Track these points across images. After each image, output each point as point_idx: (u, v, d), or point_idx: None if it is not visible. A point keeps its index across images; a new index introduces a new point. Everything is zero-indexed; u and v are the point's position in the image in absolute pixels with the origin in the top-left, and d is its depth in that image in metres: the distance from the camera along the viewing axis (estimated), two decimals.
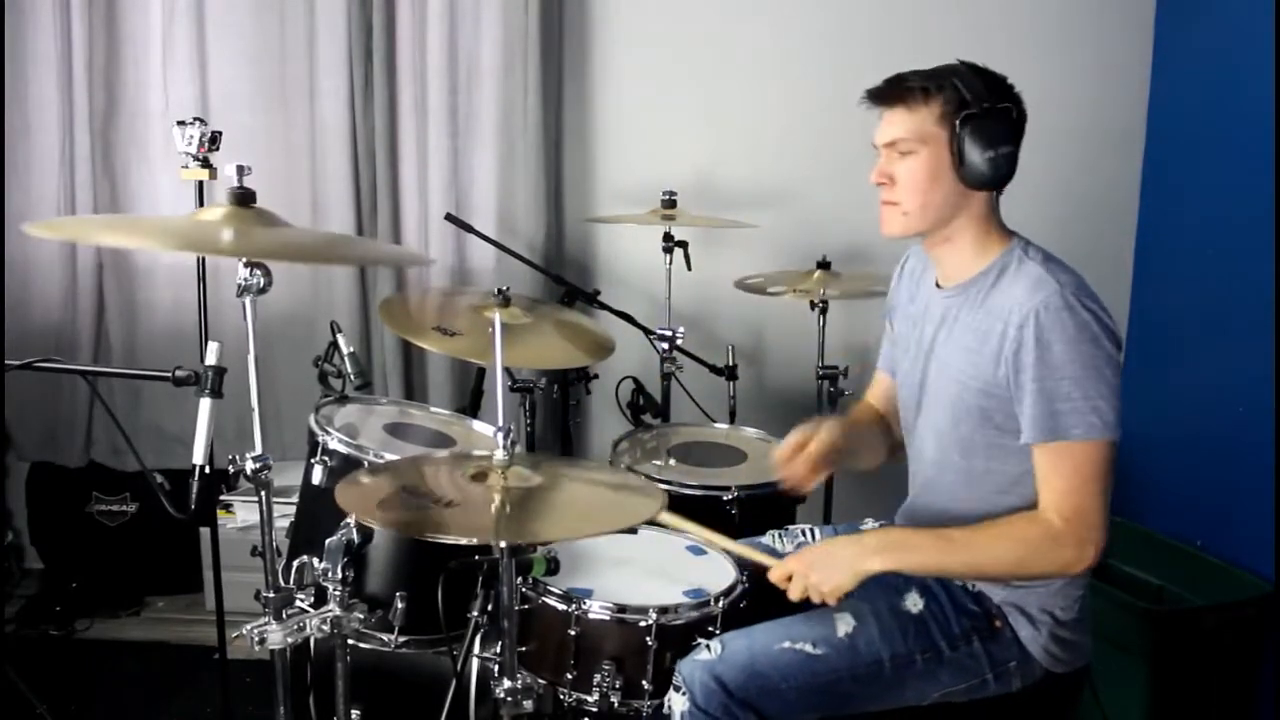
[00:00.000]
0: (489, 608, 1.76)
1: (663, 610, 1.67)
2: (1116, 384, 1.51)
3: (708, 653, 1.59)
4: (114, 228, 1.67)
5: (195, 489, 1.55)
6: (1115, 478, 1.57)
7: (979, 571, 1.60)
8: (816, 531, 1.92)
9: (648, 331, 2.68)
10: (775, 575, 1.62)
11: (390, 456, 1.89)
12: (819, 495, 2.56)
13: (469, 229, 2.73)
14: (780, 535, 1.93)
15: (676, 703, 1.57)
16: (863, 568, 1.56)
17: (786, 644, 1.59)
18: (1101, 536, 1.51)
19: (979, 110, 1.54)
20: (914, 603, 1.64)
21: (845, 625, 1.61)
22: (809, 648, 1.58)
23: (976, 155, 1.54)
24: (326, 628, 1.66)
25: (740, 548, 1.73)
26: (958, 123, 1.54)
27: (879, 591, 1.66)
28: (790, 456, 1.75)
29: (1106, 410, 1.50)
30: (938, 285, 1.71)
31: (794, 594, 1.59)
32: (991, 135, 1.54)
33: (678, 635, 1.67)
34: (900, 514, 1.83)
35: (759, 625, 1.63)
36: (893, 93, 1.59)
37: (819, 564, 1.58)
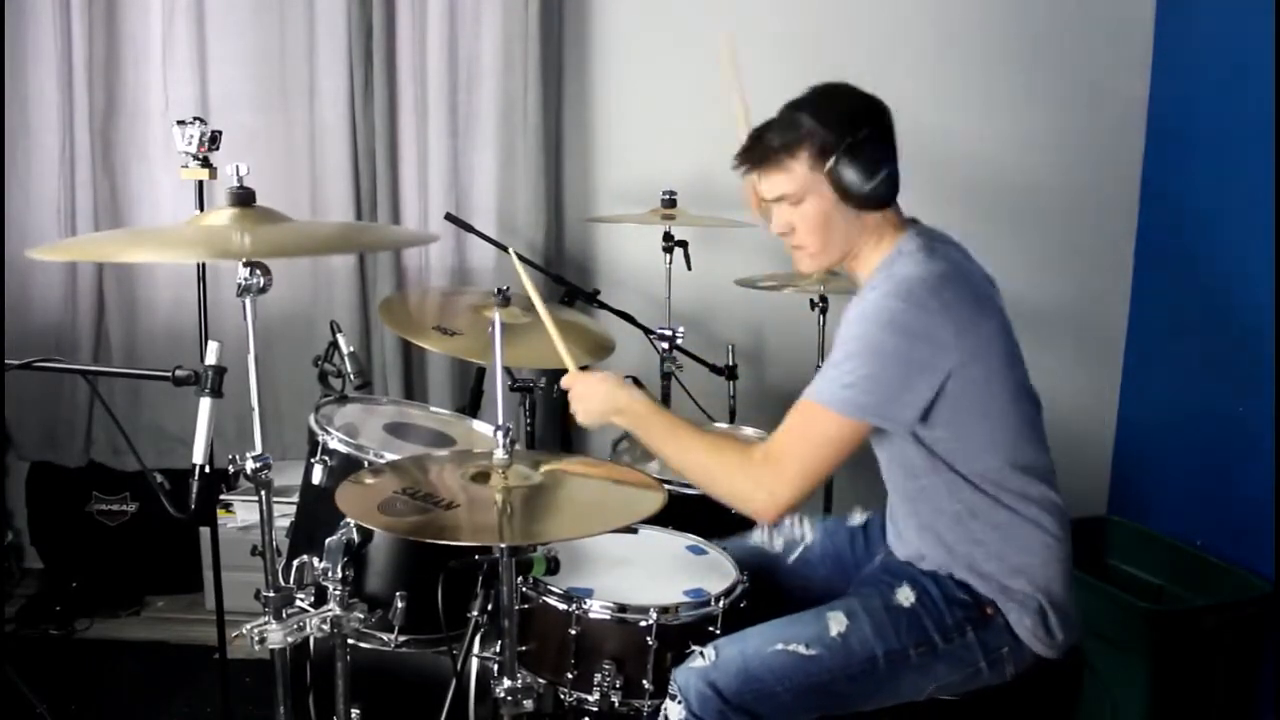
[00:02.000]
0: (489, 607, 1.76)
1: (663, 610, 1.67)
2: (892, 375, 1.54)
3: (702, 660, 1.59)
4: (130, 244, 1.66)
5: (195, 489, 1.55)
6: (1118, 479, 1.57)
7: (689, 470, 1.66)
8: (806, 524, 1.93)
9: (648, 331, 2.68)
10: (565, 381, 1.76)
11: (390, 456, 1.89)
12: (818, 494, 2.56)
13: (469, 229, 2.73)
14: (771, 529, 1.94)
15: (673, 711, 1.57)
16: (608, 419, 1.71)
17: (779, 646, 1.59)
18: (790, 494, 1.57)
19: (842, 149, 1.58)
20: (905, 596, 1.64)
21: (838, 624, 1.61)
22: (802, 649, 1.58)
23: (858, 187, 1.59)
24: (326, 627, 1.66)
25: (562, 351, 1.80)
26: (828, 168, 1.59)
27: (871, 588, 1.68)
28: None
29: (859, 392, 1.54)
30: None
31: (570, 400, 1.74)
32: (864, 166, 1.59)
33: (678, 635, 1.67)
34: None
35: (751, 629, 1.64)
36: (758, 158, 1.66)
37: (583, 393, 1.73)
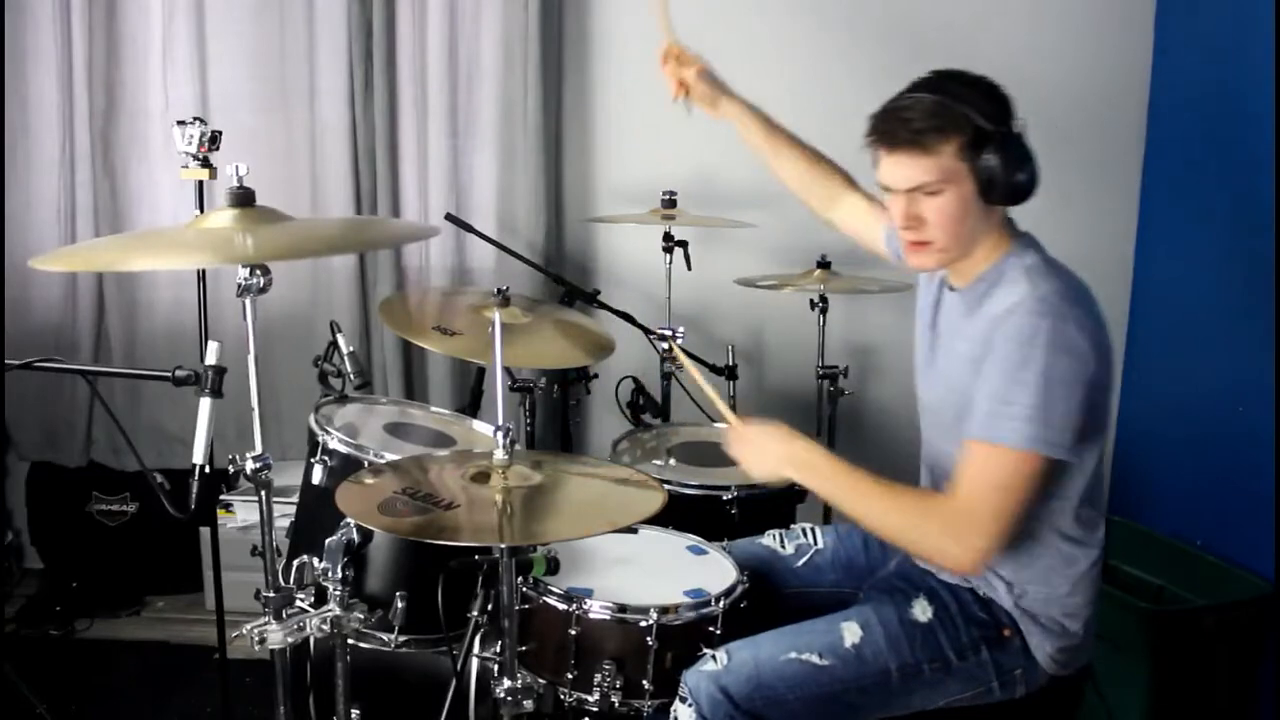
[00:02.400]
0: (489, 607, 1.76)
1: (663, 610, 1.67)
2: (1074, 398, 1.46)
3: (713, 663, 1.58)
4: (133, 251, 1.65)
5: (195, 489, 1.55)
6: (1118, 479, 1.56)
7: (873, 525, 1.59)
8: (817, 531, 1.92)
9: (648, 331, 2.67)
10: (731, 433, 1.69)
11: (390, 456, 1.89)
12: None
13: (469, 229, 2.73)
14: (781, 535, 1.93)
15: (683, 714, 1.57)
16: (781, 474, 1.61)
17: (793, 654, 1.58)
18: (989, 545, 1.48)
19: (998, 139, 1.50)
20: (923, 611, 1.63)
21: (852, 635, 1.60)
22: (815, 658, 1.57)
23: (1005, 180, 1.50)
24: (326, 627, 1.66)
25: (719, 404, 1.76)
26: (984, 155, 1.50)
27: (887, 599, 1.66)
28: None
29: (1043, 422, 1.45)
30: (951, 286, 1.69)
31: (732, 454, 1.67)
32: (1017, 157, 1.51)
33: (678, 635, 1.67)
34: None
35: (765, 635, 1.62)
36: (902, 137, 1.52)
37: (754, 446, 1.64)
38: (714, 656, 1.59)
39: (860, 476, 1.56)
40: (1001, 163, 1.50)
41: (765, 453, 1.63)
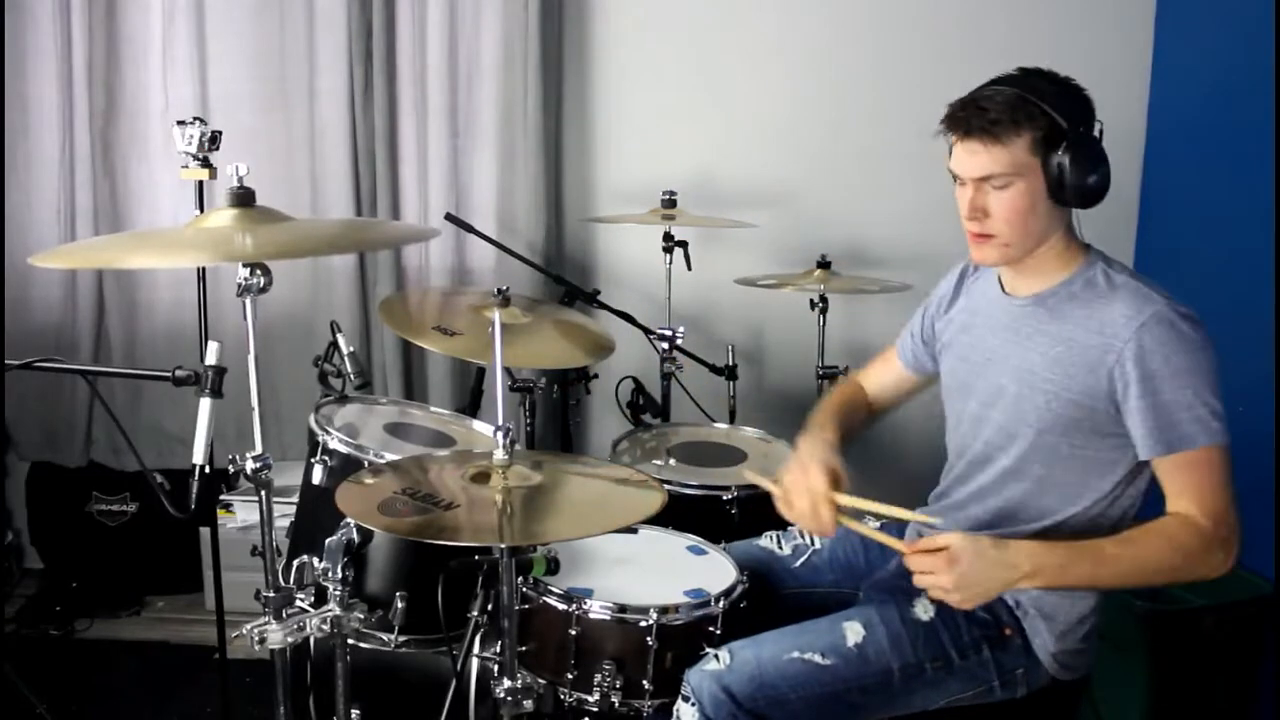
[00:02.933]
0: (489, 607, 1.76)
1: (663, 610, 1.67)
2: (1217, 391, 1.52)
3: (716, 663, 1.58)
4: (132, 249, 1.65)
5: (195, 489, 1.55)
6: None
7: (1132, 581, 1.58)
8: (816, 538, 1.91)
9: (648, 331, 2.68)
10: (915, 564, 1.51)
11: (390, 456, 1.89)
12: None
13: (469, 229, 2.73)
14: (778, 536, 1.93)
15: (685, 713, 1.57)
16: (1012, 587, 1.50)
17: (795, 654, 1.58)
18: (1238, 538, 1.52)
19: (1074, 137, 1.50)
20: (925, 610, 1.63)
21: (854, 635, 1.60)
22: (818, 658, 1.57)
23: (1079, 181, 1.50)
24: (326, 627, 1.66)
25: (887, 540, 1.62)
26: (1057, 152, 1.50)
27: (889, 599, 1.66)
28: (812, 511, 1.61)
29: (1222, 415, 1.51)
30: (1005, 292, 1.68)
31: (923, 583, 1.50)
32: (1091, 158, 1.51)
33: (678, 635, 1.67)
34: (940, 509, 1.75)
35: (767, 634, 1.62)
36: (979, 126, 1.51)
37: (965, 581, 1.47)
38: (716, 656, 1.59)
39: (1093, 545, 1.51)
40: (1074, 162, 1.50)
41: (981, 586, 1.48)
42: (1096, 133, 1.55)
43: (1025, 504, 1.64)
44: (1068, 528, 1.60)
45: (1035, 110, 1.50)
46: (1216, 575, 1.52)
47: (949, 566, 1.47)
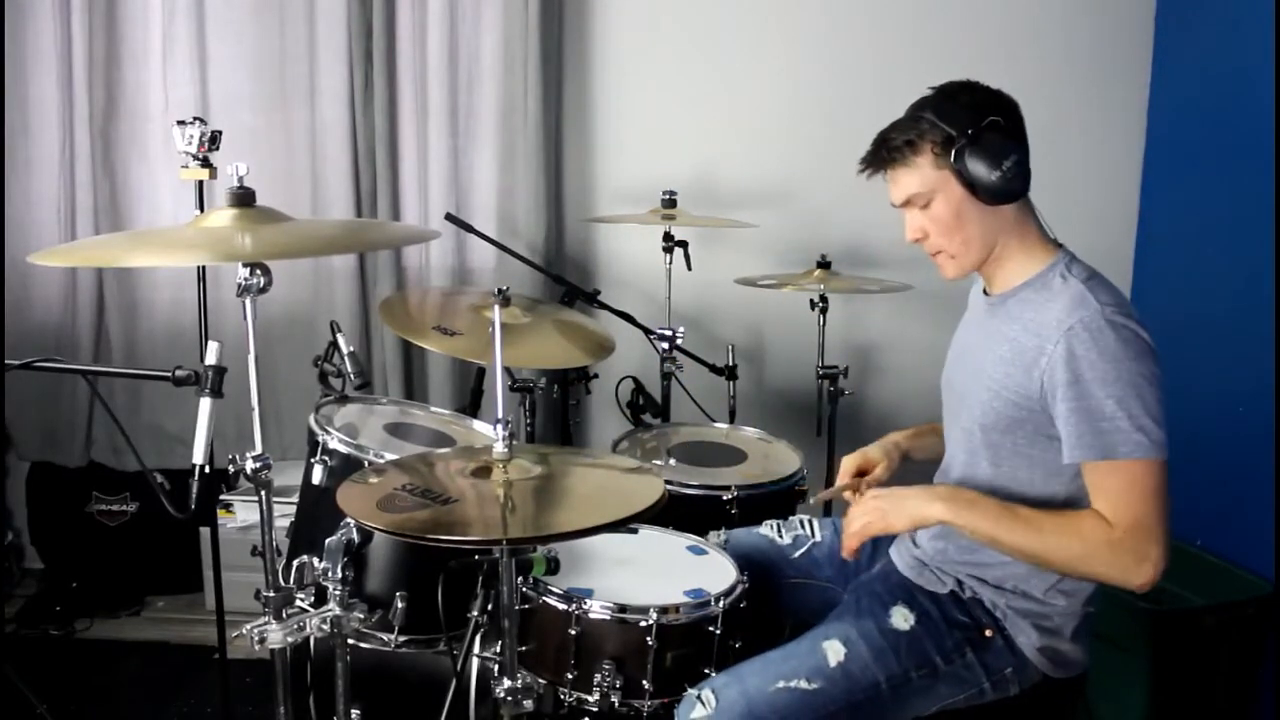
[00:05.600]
0: (489, 607, 1.76)
1: (663, 610, 1.67)
2: (1160, 403, 1.49)
3: (702, 707, 1.55)
4: (132, 248, 1.64)
5: (195, 489, 1.55)
6: None
7: (1034, 555, 1.54)
8: (815, 524, 1.93)
9: (648, 331, 2.68)
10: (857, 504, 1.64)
11: (390, 456, 1.88)
12: (820, 491, 2.57)
13: (469, 229, 2.73)
14: (779, 525, 1.94)
15: None
16: (924, 512, 1.56)
17: (781, 684, 1.56)
18: (1161, 554, 1.48)
19: (967, 139, 1.53)
20: (903, 619, 1.63)
21: (835, 654, 1.59)
22: (804, 683, 1.56)
23: (986, 179, 1.53)
24: (326, 627, 1.66)
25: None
26: (953, 158, 1.53)
27: (865, 611, 1.65)
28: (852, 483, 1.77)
29: (1152, 429, 1.48)
30: (985, 291, 1.70)
31: (851, 542, 1.62)
32: (990, 155, 1.53)
33: (678, 635, 1.67)
34: None
35: (746, 666, 1.61)
36: (884, 157, 1.60)
37: (887, 503, 1.59)
38: (700, 699, 1.56)
39: (1011, 506, 1.54)
40: (974, 162, 1.53)
41: (904, 501, 1.58)
42: (996, 125, 1.54)
43: None
44: None
45: (925, 125, 1.55)
46: (1129, 583, 1.50)
47: (876, 498, 1.61)
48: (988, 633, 1.62)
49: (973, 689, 1.62)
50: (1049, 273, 1.59)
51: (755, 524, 2.00)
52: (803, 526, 1.93)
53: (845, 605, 1.71)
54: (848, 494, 1.74)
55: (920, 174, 1.57)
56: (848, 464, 1.81)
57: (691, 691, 1.59)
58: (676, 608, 1.68)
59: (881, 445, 1.84)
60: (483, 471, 1.60)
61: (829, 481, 2.62)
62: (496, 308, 1.70)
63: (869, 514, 1.60)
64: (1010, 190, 1.54)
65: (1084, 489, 1.55)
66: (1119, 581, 1.51)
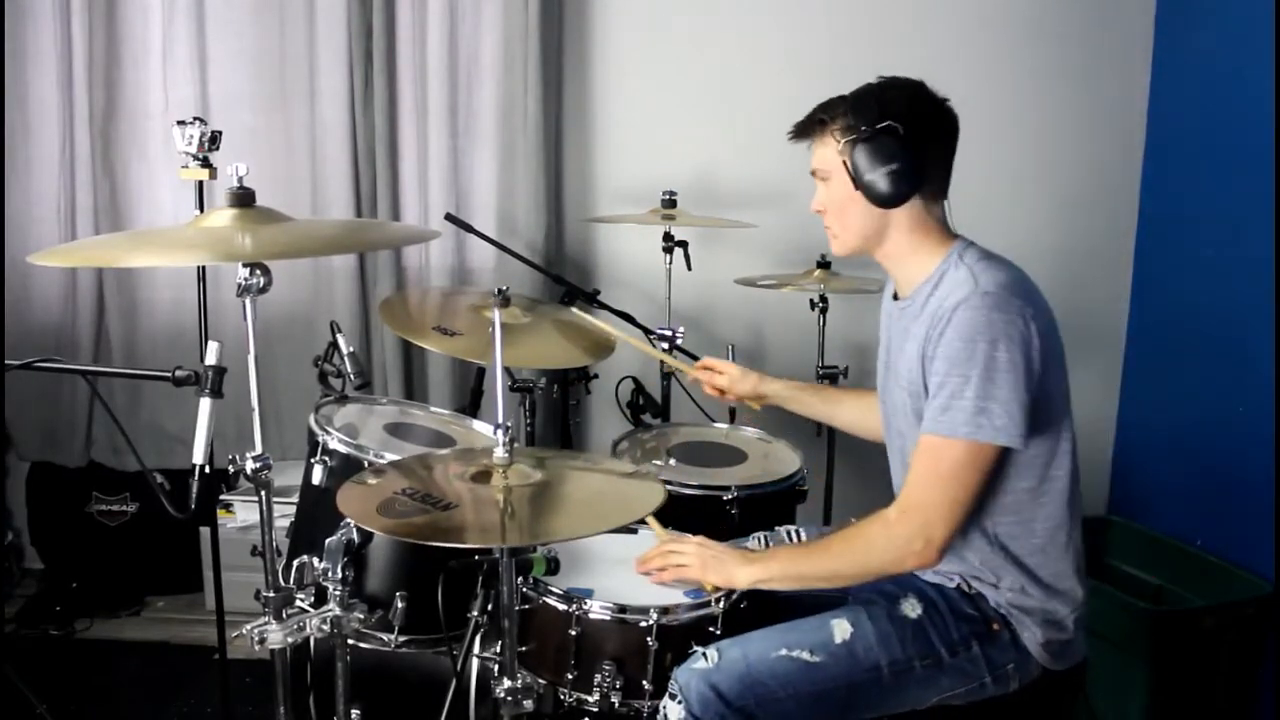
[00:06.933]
0: (489, 608, 1.76)
1: (663, 610, 1.67)
2: (1015, 391, 1.48)
3: (704, 661, 1.58)
4: (132, 248, 1.64)
5: (195, 489, 1.55)
6: (1118, 479, 1.56)
7: (835, 575, 1.62)
8: (803, 533, 1.92)
9: (648, 331, 2.68)
10: (663, 550, 1.70)
11: (390, 456, 1.89)
12: (818, 495, 2.56)
13: (469, 229, 2.73)
14: (765, 538, 1.93)
15: (672, 711, 1.56)
16: (733, 574, 1.63)
17: (784, 652, 1.58)
18: (941, 535, 1.52)
19: (859, 135, 1.57)
20: (912, 608, 1.63)
21: (842, 632, 1.60)
22: (807, 655, 1.57)
23: (868, 177, 1.57)
24: (326, 628, 1.66)
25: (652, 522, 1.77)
26: (841, 149, 1.60)
27: (878, 598, 1.66)
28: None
29: (997, 413, 1.48)
30: (895, 297, 1.73)
31: (651, 565, 1.69)
32: (876, 156, 1.56)
33: (678, 635, 1.67)
34: None
35: (755, 633, 1.63)
36: (803, 126, 1.67)
37: (706, 556, 1.65)
38: (704, 654, 1.59)
39: (806, 544, 1.68)
40: (864, 158, 1.57)
41: (723, 562, 1.64)
42: (895, 132, 1.56)
43: None
44: (979, 531, 1.61)
45: (840, 110, 1.61)
46: (902, 565, 1.55)
47: (699, 547, 1.67)
48: (995, 626, 1.62)
49: (974, 683, 1.62)
50: (944, 264, 1.61)
51: (755, 524, 2.00)
52: (790, 537, 1.92)
53: (856, 594, 1.71)
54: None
55: (825, 151, 1.64)
56: (709, 359, 2.10)
57: (699, 649, 1.61)
58: (676, 608, 1.68)
59: (747, 370, 2.06)
60: (482, 476, 1.60)
61: (829, 483, 2.62)
62: (496, 308, 1.70)
63: (688, 558, 1.66)
64: (881, 195, 1.58)
65: (1045, 475, 1.58)
66: (897, 566, 1.56)
